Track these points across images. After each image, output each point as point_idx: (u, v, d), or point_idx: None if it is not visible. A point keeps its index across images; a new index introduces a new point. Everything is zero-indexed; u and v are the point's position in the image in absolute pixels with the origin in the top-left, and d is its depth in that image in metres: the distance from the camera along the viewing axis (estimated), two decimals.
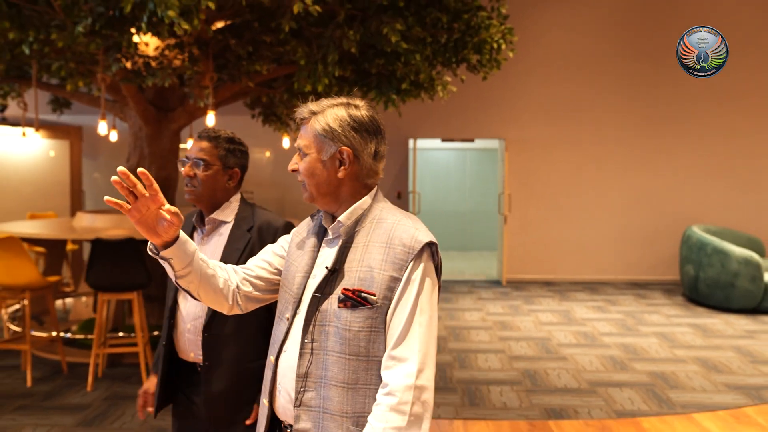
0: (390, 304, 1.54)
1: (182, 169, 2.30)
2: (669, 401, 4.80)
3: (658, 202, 9.94)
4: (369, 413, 1.52)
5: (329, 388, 1.55)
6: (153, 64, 5.33)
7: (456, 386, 5.11)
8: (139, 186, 1.50)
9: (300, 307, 1.65)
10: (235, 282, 1.76)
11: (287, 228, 2.33)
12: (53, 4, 4.66)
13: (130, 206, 1.50)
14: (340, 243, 1.62)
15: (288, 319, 1.66)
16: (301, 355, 1.59)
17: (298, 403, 1.58)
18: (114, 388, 4.95)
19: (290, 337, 1.64)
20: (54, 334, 5.44)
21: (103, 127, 5.63)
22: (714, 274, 8.12)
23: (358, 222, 1.63)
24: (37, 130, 6.70)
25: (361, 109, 1.65)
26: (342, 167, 1.62)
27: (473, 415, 4.51)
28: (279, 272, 1.79)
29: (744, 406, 4.72)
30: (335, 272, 1.59)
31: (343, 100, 1.66)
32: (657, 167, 9.92)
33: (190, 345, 2.32)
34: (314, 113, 1.65)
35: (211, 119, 5.67)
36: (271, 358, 1.69)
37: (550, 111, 9.95)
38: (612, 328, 7.08)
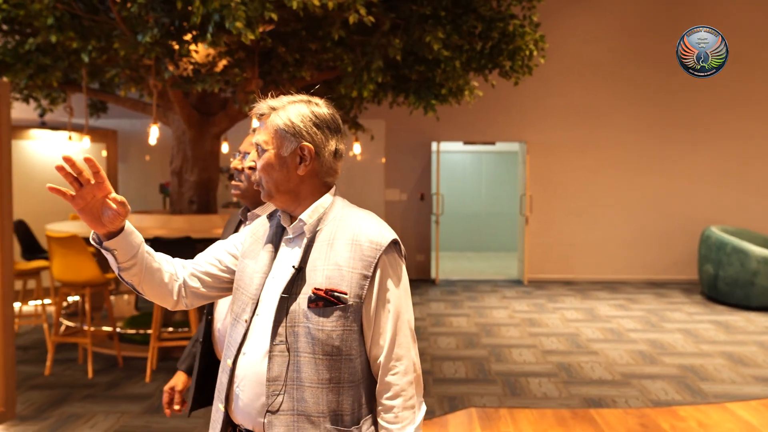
0: (361, 303, 1.54)
1: (233, 162, 2.31)
2: (701, 392, 5.02)
3: (674, 203, 10.16)
4: (346, 409, 1.55)
5: (303, 390, 1.53)
6: (202, 70, 5.58)
7: (495, 378, 5.34)
8: (86, 173, 1.48)
9: (258, 308, 1.61)
10: (182, 277, 1.71)
11: None
12: (115, 16, 4.92)
13: (74, 194, 1.49)
14: (305, 242, 1.60)
15: (246, 321, 1.62)
16: (270, 358, 1.55)
17: (270, 408, 1.54)
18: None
19: (249, 340, 1.60)
20: (110, 329, 5.69)
21: (154, 132, 5.88)
22: (733, 272, 8.34)
23: (320, 220, 1.61)
24: (86, 134, 6.95)
25: (322, 106, 1.62)
26: (302, 164, 1.59)
27: (517, 404, 4.75)
28: (228, 270, 1.75)
29: None
30: (300, 271, 1.57)
31: (304, 97, 1.65)
32: (673, 170, 10.15)
33: (221, 345, 2.30)
34: (274, 109, 1.62)
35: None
36: (227, 361, 1.64)
37: (570, 115, 10.19)
38: (636, 324, 7.30)
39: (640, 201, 10.19)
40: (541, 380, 5.29)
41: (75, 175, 1.47)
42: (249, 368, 1.58)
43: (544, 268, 10.35)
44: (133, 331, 6.03)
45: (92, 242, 1.58)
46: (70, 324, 6.13)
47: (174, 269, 1.71)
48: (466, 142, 11.09)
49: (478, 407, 4.66)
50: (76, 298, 7.16)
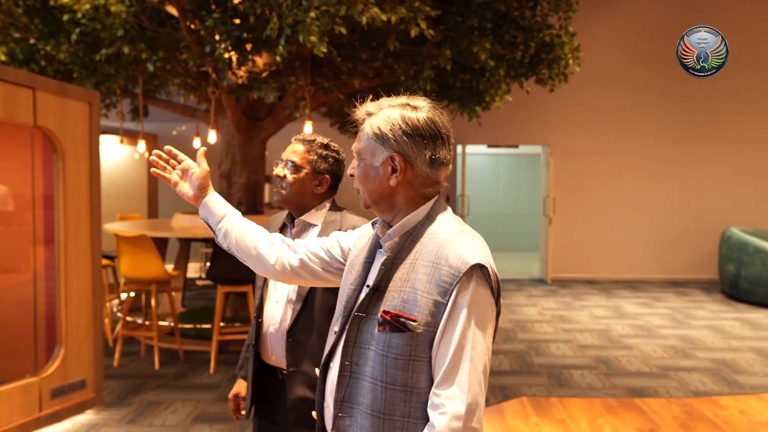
0: (433, 332, 1.39)
1: (275, 169, 2.33)
2: (737, 383, 5.31)
3: (693, 205, 10.45)
4: None
5: (365, 417, 1.44)
6: (260, 77, 5.89)
7: (540, 370, 5.64)
8: (173, 162, 1.80)
9: (349, 323, 1.54)
10: (287, 248, 1.78)
11: None
12: (184, 29, 5.23)
13: (176, 179, 1.78)
14: (384, 259, 1.50)
15: (335, 333, 1.58)
16: (340, 377, 1.49)
17: (335, 427, 1.49)
18: (232, 371, 5.49)
19: (336, 354, 1.56)
20: (171, 324, 5.99)
21: (212, 137, 6.19)
22: (755, 272, 8.62)
23: (409, 236, 1.49)
24: (142, 138, 7.27)
25: (419, 110, 1.49)
26: (394, 174, 1.48)
27: (565, 393, 5.05)
28: (334, 259, 1.77)
29: None
30: (377, 290, 1.47)
31: (402, 100, 1.52)
32: (692, 172, 10.44)
33: (271, 348, 2.31)
34: (370, 114, 1.53)
35: (308, 128, 6.22)
36: (317, 370, 1.65)
37: (593, 120, 10.48)
38: (664, 321, 7.59)
39: (661, 202, 10.48)
40: (583, 372, 5.58)
41: (165, 164, 1.80)
42: (331, 383, 1.54)
43: (566, 267, 10.64)
44: (189, 326, 6.33)
45: (199, 219, 1.86)
46: (129, 319, 6.43)
47: (276, 239, 1.78)
48: (490, 145, 11.38)
49: (529, 396, 4.95)
50: (130, 294, 7.47)
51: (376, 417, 1.42)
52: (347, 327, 1.51)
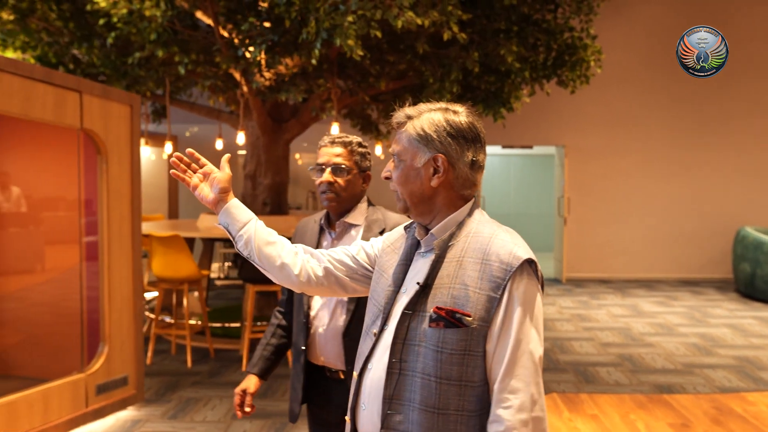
0: (486, 326, 1.44)
1: (320, 176, 2.30)
2: (762, 380, 5.40)
3: (706, 205, 10.54)
4: None
5: (418, 412, 1.46)
6: (287, 79, 5.99)
7: (566, 367, 5.73)
8: (193, 165, 1.77)
9: (388, 323, 1.56)
10: (311, 258, 1.77)
11: None
12: (216, 33, 5.33)
13: (197, 182, 1.76)
14: (432, 257, 1.53)
15: (375, 335, 1.58)
16: (388, 375, 1.50)
17: (385, 426, 1.50)
18: None
19: (375, 354, 1.57)
20: (201, 323, 6.09)
21: (241, 138, 6.29)
22: None
23: (452, 235, 1.54)
24: (170, 140, 7.36)
25: (460, 114, 1.54)
26: (436, 175, 1.53)
27: (593, 389, 5.13)
28: (361, 266, 1.77)
29: None
30: (426, 288, 1.50)
31: (442, 105, 1.57)
32: (704, 173, 10.52)
33: (320, 349, 2.30)
34: (410, 117, 1.57)
35: (335, 129, 6.31)
36: (354, 373, 1.63)
37: (607, 121, 10.57)
38: (682, 320, 7.67)
39: (674, 202, 10.57)
40: (609, 369, 5.67)
41: (185, 167, 1.79)
42: (373, 383, 1.55)
43: (581, 267, 10.73)
44: (218, 325, 6.43)
45: (216, 225, 1.79)
46: (157, 318, 6.53)
47: (300, 250, 1.77)
48: (504, 146, 11.47)
49: (559, 393, 5.04)
50: (154, 293, 7.55)
51: (429, 412, 1.44)
52: (394, 326, 1.53)
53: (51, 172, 4.58)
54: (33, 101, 3.84)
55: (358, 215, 2.34)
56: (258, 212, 7.07)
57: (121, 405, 4.52)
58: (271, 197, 7.09)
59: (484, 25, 5.75)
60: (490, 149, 13.10)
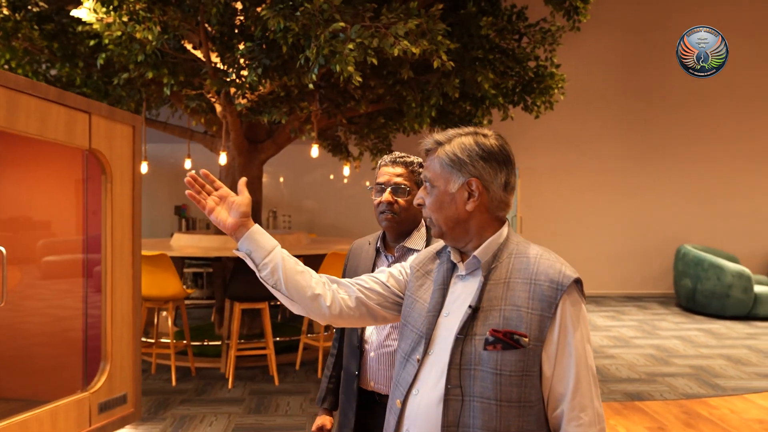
0: (541, 346, 1.45)
1: (380, 196, 2.27)
2: (718, 386, 5.82)
3: (649, 225, 11.17)
4: None
5: None
6: (269, 100, 6.13)
7: None
8: (208, 187, 1.72)
9: (432, 348, 1.55)
10: (339, 288, 1.72)
11: None
12: (205, 57, 5.44)
13: (213, 204, 1.70)
14: (481, 280, 1.52)
15: (417, 360, 1.56)
16: (445, 402, 1.48)
17: None
18: (250, 386, 5.66)
19: (420, 380, 1.54)
20: (185, 342, 6.12)
21: (223, 159, 6.38)
22: (711, 286, 9.30)
23: (495, 257, 1.54)
24: (144, 160, 7.35)
25: (489, 137, 1.58)
26: (471, 199, 1.54)
27: None
28: (392, 293, 1.74)
29: None
30: (476, 311, 1.50)
31: (471, 129, 1.60)
32: (648, 195, 11.17)
33: (371, 373, 2.26)
34: (440, 143, 1.59)
35: (315, 151, 6.48)
36: (396, 401, 1.59)
37: (558, 145, 11.09)
38: (635, 332, 8.13)
39: (621, 222, 11.16)
40: None
41: (200, 188, 1.72)
42: (421, 410, 1.52)
43: None
44: (197, 343, 6.46)
45: (234, 253, 1.71)
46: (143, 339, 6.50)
47: (326, 279, 1.71)
48: None
49: None
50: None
51: None
52: (445, 351, 1.51)
53: (57, 192, 4.60)
54: (48, 122, 3.89)
55: (418, 239, 2.29)
56: None
57: (121, 423, 4.54)
58: None
59: (463, 53, 6.05)
60: None
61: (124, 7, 5.00)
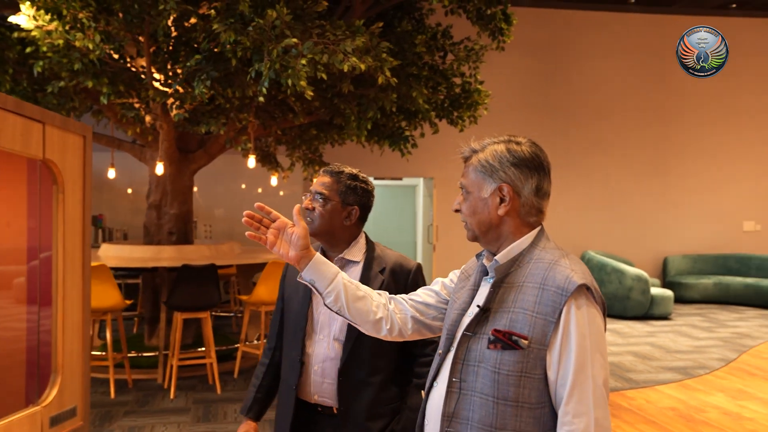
0: (543, 349, 1.48)
1: (304, 201, 2.29)
2: (632, 380, 6.36)
3: (553, 231, 11.72)
4: None
5: (476, 431, 1.51)
6: (206, 110, 6.17)
7: None
8: (265, 220, 1.73)
9: (453, 344, 1.62)
10: (396, 306, 1.80)
11: (419, 270, 2.36)
12: (147, 68, 5.45)
13: (273, 239, 1.72)
14: (493, 282, 1.58)
15: (440, 354, 1.64)
16: (448, 393, 1.56)
17: None
18: (193, 395, 5.66)
19: (441, 373, 1.63)
20: (122, 354, 6.03)
21: (160, 169, 6.34)
22: (613, 289, 10.03)
23: (515, 261, 1.59)
24: None
25: (522, 145, 1.64)
26: (502, 204, 1.60)
27: None
28: (444, 303, 1.81)
29: (681, 379, 6.38)
30: (487, 312, 1.55)
31: (505, 137, 1.68)
32: (555, 202, 11.70)
33: (315, 387, 2.24)
34: (475, 152, 1.67)
35: (251, 162, 6.56)
36: (422, 393, 1.71)
37: None
38: None
39: None
40: None
41: (258, 223, 1.74)
42: (436, 401, 1.61)
43: None
44: (133, 355, 6.38)
45: (300, 280, 1.77)
46: None
47: (385, 299, 1.80)
48: (376, 178, 12.13)
49: None
50: None
51: (486, 431, 1.49)
52: (455, 346, 1.59)
53: (4, 202, 4.49)
54: (4, 131, 3.83)
55: (357, 252, 2.31)
56: (163, 242, 7.09)
57: None
58: (177, 227, 7.14)
59: (398, 70, 6.33)
60: None
61: (68, 15, 4.95)
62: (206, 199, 10.80)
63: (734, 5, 11.81)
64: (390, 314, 1.78)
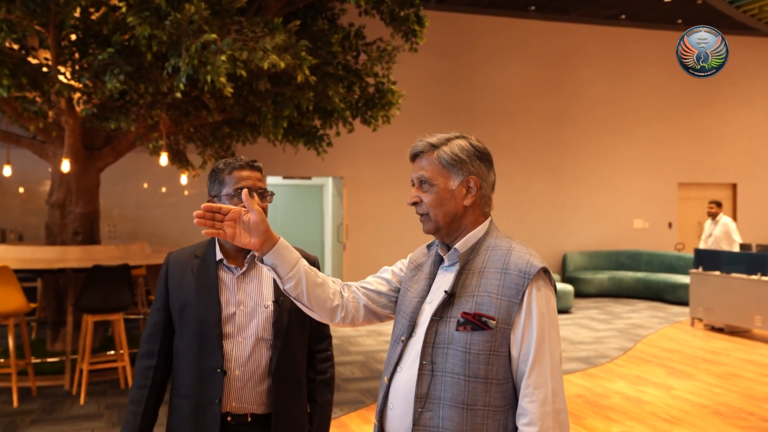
0: (508, 329, 1.59)
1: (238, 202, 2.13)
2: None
3: None
4: None
5: (448, 409, 1.58)
6: (115, 106, 5.98)
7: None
8: (217, 215, 1.68)
9: (416, 330, 1.69)
10: (349, 293, 1.84)
11: (316, 263, 2.20)
12: (53, 61, 5.22)
13: (232, 231, 1.68)
14: (457, 269, 1.68)
15: (402, 341, 1.70)
16: (419, 375, 1.62)
17: (417, 423, 1.61)
18: (105, 400, 5.46)
19: (404, 359, 1.69)
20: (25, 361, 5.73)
21: (66, 166, 6.07)
22: None
23: (473, 249, 1.70)
24: None
25: (478, 140, 1.79)
26: (469, 195, 1.71)
27: None
28: (395, 291, 1.88)
29: (585, 368, 6.73)
30: (452, 296, 1.64)
31: (458, 133, 1.81)
32: None
33: (236, 393, 2.09)
34: (435, 146, 1.77)
35: (164, 160, 6.39)
36: (384, 378, 1.73)
37: (379, 155, 11.73)
38: None
39: None
40: None
41: (211, 222, 1.68)
42: (402, 385, 1.67)
43: None
44: (38, 361, 6.08)
45: (257, 262, 1.78)
46: None
47: (339, 287, 1.83)
48: (285, 177, 12.06)
49: None
50: None
51: (459, 408, 1.58)
52: (423, 332, 1.65)
53: None
54: None
55: None
56: (68, 242, 6.79)
57: None
58: (83, 226, 6.85)
59: (315, 68, 6.34)
60: (271, 180, 13.66)
61: None
62: (108, 198, 10.39)
63: (624, 16, 12.53)
64: (345, 302, 1.82)
